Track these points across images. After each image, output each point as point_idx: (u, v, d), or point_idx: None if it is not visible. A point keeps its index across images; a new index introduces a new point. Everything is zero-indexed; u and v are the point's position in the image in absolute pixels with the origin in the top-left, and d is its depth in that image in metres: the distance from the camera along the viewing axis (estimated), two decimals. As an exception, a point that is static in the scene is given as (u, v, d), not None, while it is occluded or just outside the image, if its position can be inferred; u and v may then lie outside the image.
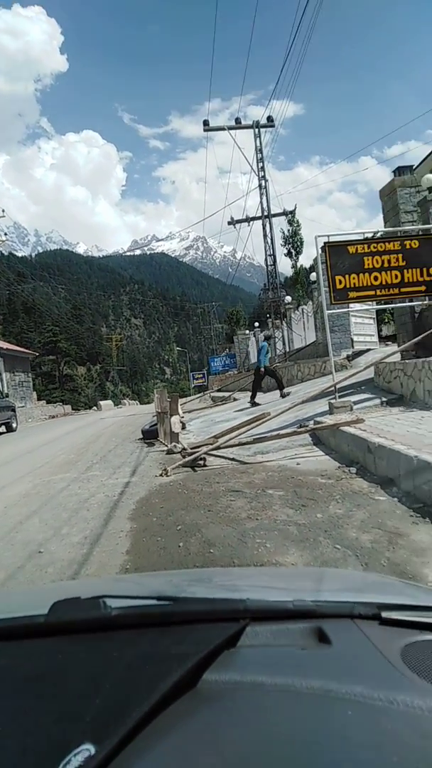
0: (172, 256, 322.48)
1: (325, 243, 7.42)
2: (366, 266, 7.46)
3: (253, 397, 12.54)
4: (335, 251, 7.43)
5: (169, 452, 7.94)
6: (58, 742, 0.57)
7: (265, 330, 19.55)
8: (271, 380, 13.37)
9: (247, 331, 32.00)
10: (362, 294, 7.61)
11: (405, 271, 7.61)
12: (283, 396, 11.63)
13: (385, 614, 0.87)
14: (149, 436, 10.38)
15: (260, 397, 12.57)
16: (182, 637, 0.81)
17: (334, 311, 9.04)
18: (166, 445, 8.57)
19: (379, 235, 8.03)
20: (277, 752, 0.57)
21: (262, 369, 12.29)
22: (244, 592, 1.14)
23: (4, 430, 17.79)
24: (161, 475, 6.13)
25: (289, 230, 28.53)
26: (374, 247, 7.54)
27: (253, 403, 12.21)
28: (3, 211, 28.62)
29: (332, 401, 7.42)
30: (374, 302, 8.44)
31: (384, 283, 7.55)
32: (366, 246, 7.54)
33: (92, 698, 0.65)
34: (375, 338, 17.46)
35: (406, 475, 3.92)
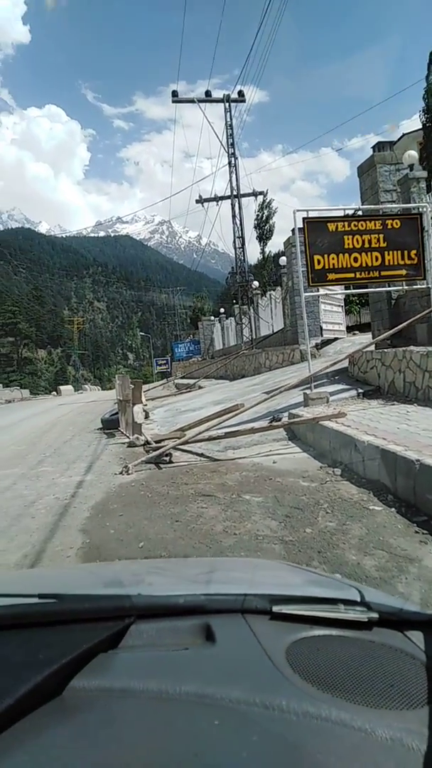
0: (137, 239, 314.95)
1: (304, 219, 6.81)
2: (346, 246, 6.92)
3: None
4: (314, 228, 6.84)
5: (131, 445, 7.27)
6: None
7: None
8: (237, 366, 12.47)
9: (212, 318, 31.37)
10: (341, 276, 7.08)
11: (386, 252, 7.12)
12: None
13: (275, 608, 0.82)
14: (109, 425, 9.67)
15: (231, 383, 11.82)
16: (57, 639, 0.74)
17: (307, 294, 8.48)
18: (128, 437, 7.89)
19: (359, 213, 7.48)
20: (135, 765, 0.52)
21: None
22: (146, 587, 1.10)
23: None
24: (121, 473, 5.46)
25: (260, 215, 27.83)
26: (355, 226, 7.00)
27: None
28: None
29: (307, 392, 6.90)
30: (352, 286, 7.90)
31: (364, 264, 7.03)
32: (347, 224, 6.99)
33: None
34: (343, 327, 17.06)
35: (404, 482, 3.39)
